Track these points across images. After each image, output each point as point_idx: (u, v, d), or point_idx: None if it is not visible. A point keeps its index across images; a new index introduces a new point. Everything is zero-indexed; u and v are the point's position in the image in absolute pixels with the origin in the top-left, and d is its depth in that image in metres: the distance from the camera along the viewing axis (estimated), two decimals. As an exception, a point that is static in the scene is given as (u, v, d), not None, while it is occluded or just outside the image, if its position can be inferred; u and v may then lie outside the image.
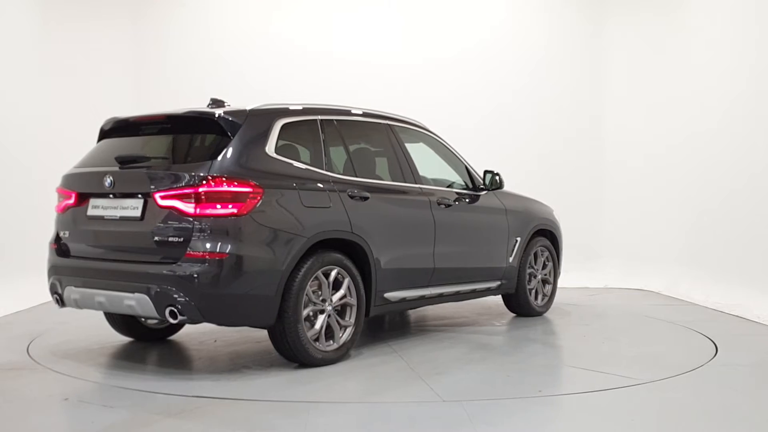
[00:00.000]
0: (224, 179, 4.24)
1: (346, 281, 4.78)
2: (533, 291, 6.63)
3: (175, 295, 4.17)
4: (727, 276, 7.76)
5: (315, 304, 4.60)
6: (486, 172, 6.22)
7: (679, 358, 5.05)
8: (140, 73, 9.65)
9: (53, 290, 4.85)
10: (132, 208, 4.46)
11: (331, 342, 4.70)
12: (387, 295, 5.12)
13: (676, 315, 6.82)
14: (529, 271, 6.55)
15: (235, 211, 4.23)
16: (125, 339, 5.58)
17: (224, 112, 4.56)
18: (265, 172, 4.46)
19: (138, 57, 9.68)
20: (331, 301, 4.69)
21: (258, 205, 4.31)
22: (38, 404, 3.94)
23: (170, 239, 4.27)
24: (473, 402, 3.88)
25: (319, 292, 4.65)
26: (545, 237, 6.82)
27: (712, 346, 5.35)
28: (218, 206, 4.21)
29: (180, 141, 4.68)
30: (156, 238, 4.32)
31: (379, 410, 3.78)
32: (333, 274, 4.70)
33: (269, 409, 3.80)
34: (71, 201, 4.82)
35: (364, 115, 5.56)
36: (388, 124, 5.65)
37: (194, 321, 4.28)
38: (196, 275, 4.15)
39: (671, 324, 6.40)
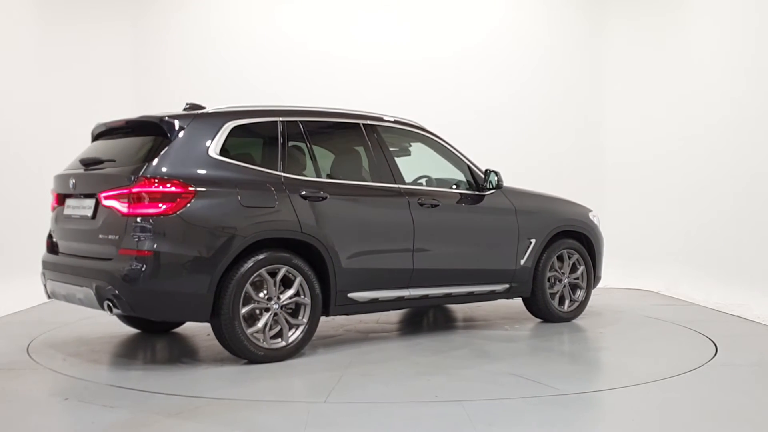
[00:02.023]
0: (154, 180, 4.44)
1: (298, 280, 4.83)
2: (557, 295, 6.32)
3: (109, 290, 4.44)
4: (727, 276, 7.76)
5: (258, 302, 4.68)
6: (486, 171, 6.06)
7: (679, 358, 5.05)
8: (140, 73, 9.65)
9: (42, 282, 5.27)
10: (87, 207, 4.79)
11: (279, 340, 4.77)
12: (352, 295, 5.13)
13: (676, 315, 6.82)
14: (550, 274, 6.27)
15: (163, 210, 4.42)
16: (124, 339, 5.60)
17: (169, 117, 4.76)
18: (202, 173, 4.61)
19: (138, 57, 9.68)
20: (279, 299, 4.75)
21: (188, 205, 4.47)
22: (38, 404, 3.95)
23: (110, 237, 4.56)
24: (473, 402, 3.88)
25: (265, 290, 4.73)
26: (575, 239, 6.49)
27: (712, 346, 5.35)
28: (148, 206, 4.42)
29: (133, 144, 4.89)
30: (100, 236, 4.64)
31: (381, 410, 3.78)
32: (281, 272, 4.76)
33: (269, 409, 3.80)
34: (55, 201, 5.25)
35: (338, 115, 5.55)
36: (369, 125, 5.58)
37: (131, 314, 4.56)
38: (124, 271, 4.40)
39: (671, 324, 6.39)
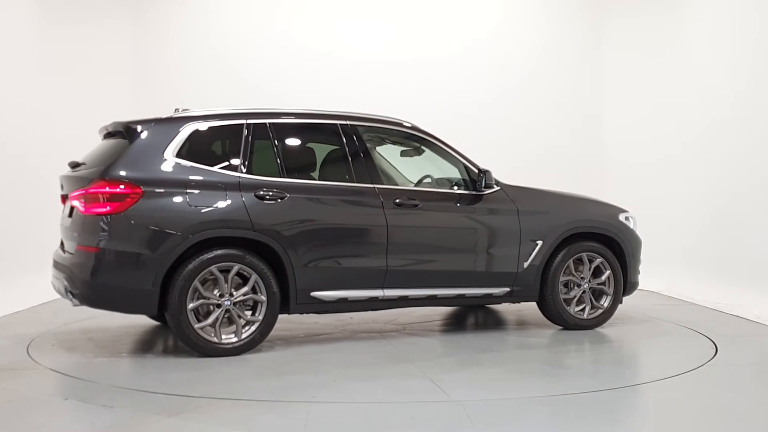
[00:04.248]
0: (105, 181, 4.78)
1: (253, 278, 4.95)
2: (574, 301, 5.95)
3: (70, 282, 4.89)
4: (727, 276, 7.76)
5: (208, 298, 4.87)
6: (479, 170, 5.81)
7: (679, 358, 5.05)
8: (140, 73, 9.65)
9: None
10: (68, 207, 5.19)
11: (233, 336, 4.95)
12: (317, 294, 5.16)
13: (676, 315, 6.82)
14: (566, 278, 5.94)
15: (112, 209, 4.75)
16: (125, 339, 5.61)
17: (131, 122, 5.10)
18: (154, 175, 4.88)
19: (138, 57, 9.68)
20: (231, 296, 4.91)
21: (136, 205, 4.76)
22: (38, 404, 3.95)
23: (75, 234, 4.97)
24: (473, 402, 3.88)
25: (217, 287, 4.92)
26: (600, 241, 6.09)
27: (712, 346, 5.35)
28: (100, 206, 4.77)
29: (106, 148, 5.22)
30: (70, 233, 5.07)
31: (383, 410, 3.78)
32: (234, 270, 4.92)
33: (269, 409, 3.81)
34: (61, 201, 5.53)
35: (312, 116, 5.56)
36: (347, 125, 5.54)
37: (87, 305, 4.89)
38: (78, 266, 4.84)
39: (671, 324, 6.39)
